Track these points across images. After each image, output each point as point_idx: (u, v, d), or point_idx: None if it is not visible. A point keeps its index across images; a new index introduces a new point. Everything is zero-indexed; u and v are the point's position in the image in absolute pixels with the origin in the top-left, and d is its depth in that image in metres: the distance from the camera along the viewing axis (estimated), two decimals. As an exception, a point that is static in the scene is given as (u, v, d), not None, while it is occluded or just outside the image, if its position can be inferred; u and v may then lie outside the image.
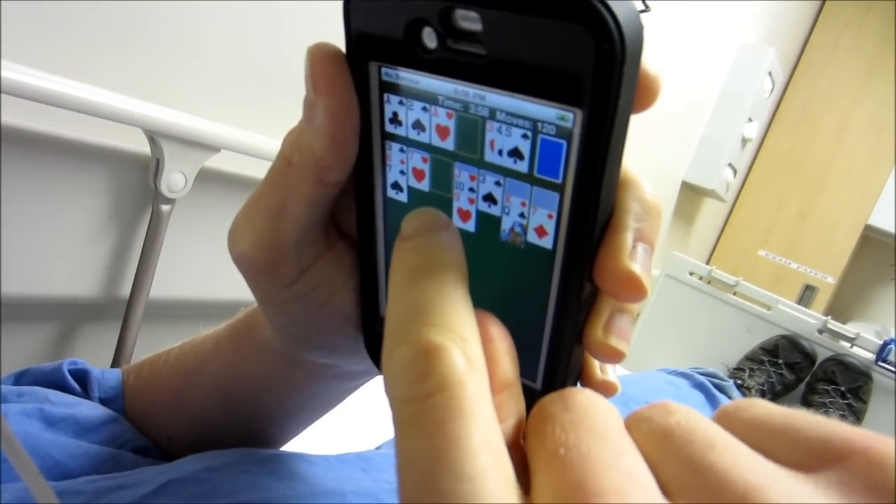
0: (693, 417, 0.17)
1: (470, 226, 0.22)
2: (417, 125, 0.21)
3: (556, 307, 0.20)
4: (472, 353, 0.16)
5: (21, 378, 0.49)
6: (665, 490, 0.16)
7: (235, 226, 0.25)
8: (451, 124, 0.20)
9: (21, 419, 0.40)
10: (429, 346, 0.16)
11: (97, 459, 0.40)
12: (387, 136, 0.22)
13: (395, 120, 0.21)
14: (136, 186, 0.84)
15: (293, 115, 0.22)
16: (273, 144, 0.88)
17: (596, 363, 0.23)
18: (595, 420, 0.17)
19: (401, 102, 0.21)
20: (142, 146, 0.81)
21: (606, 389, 0.23)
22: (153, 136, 0.79)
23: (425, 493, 0.14)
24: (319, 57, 0.21)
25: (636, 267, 0.19)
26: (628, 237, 0.19)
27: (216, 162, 0.88)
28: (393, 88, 0.21)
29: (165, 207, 0.85)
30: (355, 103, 0.22)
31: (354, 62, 0.21)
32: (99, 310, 0.89)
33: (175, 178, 0.84)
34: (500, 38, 0.18)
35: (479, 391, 0.16)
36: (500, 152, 0.20)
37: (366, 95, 0.21)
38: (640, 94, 0.18)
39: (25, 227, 0.76)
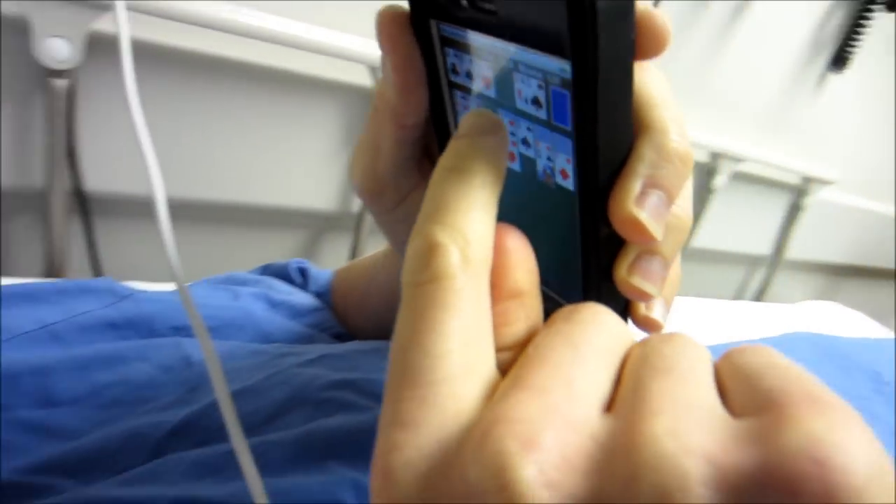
0: (677, 345, 0.18)
1: (516, 166, 0.25)
2: (469, 75, 0.24)
3: (581, 246, 0.22)
4: (471, 254, 0.18)
5: (263, 270, 0.63)
6: (609, 403, 0.17)
7: (352, 158, 0.30)
8: (490, 75, 0.23)
9: (251, 299, 0.52)
10: (432, 242, 0.18)
11: (299, 336, 0.50)
12: (451, 84, 0.26)
13: (454, 70, 0.25)
14: (363, 117, 0.96)
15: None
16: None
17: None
18: (580, 330, 0.18)
19: (455, 55, 0.25)
20: (365, 80, 0.92)
21: (648, 326, 0.23)
22: (375, 70, 0.89)
23: (398, 362, 0.17)
24: (384, 19, 0.24)
25: (640, 213, 0.20)
26: (635, 183, 0.20)
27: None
28: (449, 43, 0.24)
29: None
30: (417, 57, 0.25)
31: (418, 21, 0.25)
32: (334, 221, 1.04)
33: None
34: None
35: (467, 287, 0.18)
36: (526, 100, 0.22)
37: (431, 49, 0.25)
38: (643, 42, 0.20)
39: (275, 149, 0.91)
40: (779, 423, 0.14)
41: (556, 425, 0.15)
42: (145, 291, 0.47)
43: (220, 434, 0.32)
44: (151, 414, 0.35)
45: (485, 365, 0.18)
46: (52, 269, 0.80)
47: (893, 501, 0.13)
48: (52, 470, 0.32)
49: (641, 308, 0.23)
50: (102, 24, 0.71)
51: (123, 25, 0.41)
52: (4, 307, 0.41)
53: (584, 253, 0.22)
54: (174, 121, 0.82)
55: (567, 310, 0.19)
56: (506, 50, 0.22)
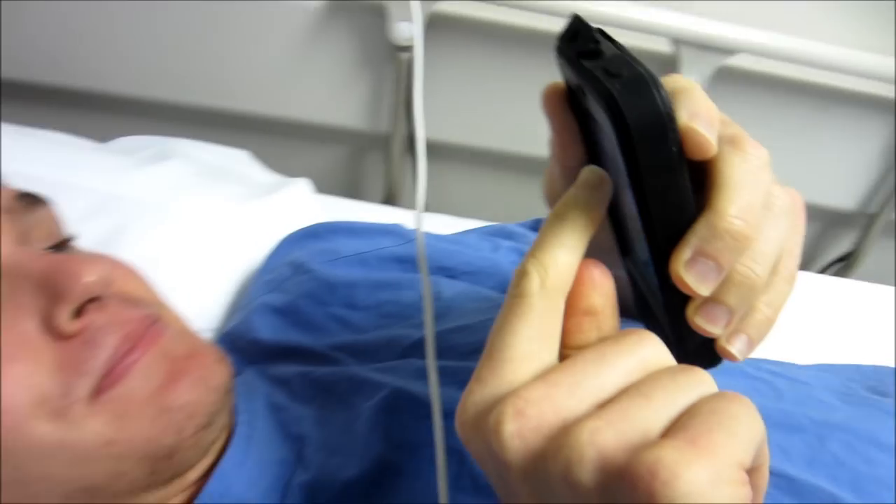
0: (677, 377, 0.23)
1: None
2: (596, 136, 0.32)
3: (659, 288, 0.27)
4: (548, 281, 0.24)
5: (534, 224, 0.75)
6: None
7: (543, 179, 0.40)
8: (606, 144, 0.29)
9: (506, 252, 0.65)
10: (523, 269, 0.25)
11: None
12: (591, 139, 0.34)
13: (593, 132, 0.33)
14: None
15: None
16: (790, 44, 0.91)
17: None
18: (613, 350, 0.24)
19: (592, 121, 0.32)
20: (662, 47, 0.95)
21: (724, 356, 0.27)
22: (676, 41, 0.93)
23: (488, 341, 0.24)
24: (546, 92, 0.31)
25: (686, 275, 0.24)
26: (685, 252, 0.24)
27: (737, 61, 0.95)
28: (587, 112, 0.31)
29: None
30: (569, 120, 0.31)
31: (571, 94, 0.31)
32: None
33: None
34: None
35: (539, 304, 0.24)
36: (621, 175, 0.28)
37: (583, 113, 0.32)
38: (689, 149, 0.25)
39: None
40: (656, 446, 0.20)
41: (544, 408, 0.22)
42: (426, 235, 0.64)
43: (441, 353, 0.46)
44: (407, 328, 0.51)
45: (544, 356, 0.24)
46: (388, 197, 1.04)
47: None
48: (343, 350, 0.50)
49: (721, 340, 0.27)
50: (441, 6, 0.88)
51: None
52: (337, 237, 0.61)
53: (663, 294, 0.27)
54: (490, 84, 0.98)
55: (622, 332, 0.25)
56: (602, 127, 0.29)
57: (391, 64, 0.94)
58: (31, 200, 0.41)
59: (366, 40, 0.94)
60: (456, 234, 0.69)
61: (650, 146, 0.25)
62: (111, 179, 0.69)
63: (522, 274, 0.25)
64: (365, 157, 1.10)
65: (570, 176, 0.33)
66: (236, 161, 0.85)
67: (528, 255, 0.25)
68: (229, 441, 0.42)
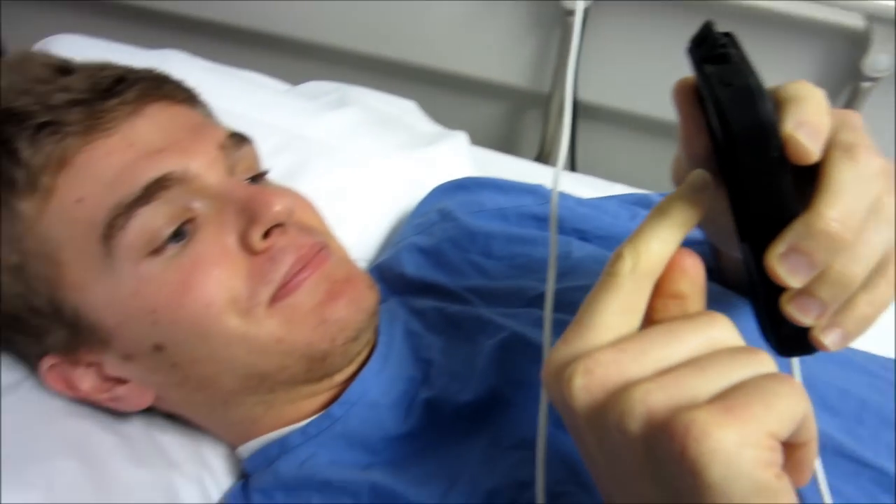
0: (737, 356, 0.26)
1: None
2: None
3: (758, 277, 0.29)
4: (639, 266, 0.27)
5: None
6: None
7: (672, 162, 0.42)
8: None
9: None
10: (619, 252, 0.28)
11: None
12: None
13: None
14: (841, 61, 0.94)
15: None
16: None
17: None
18: (685, 327, 0.27)
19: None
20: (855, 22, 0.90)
21: (816, 346, 0.29)
22: (871, 17, 0.87)
23: (579, 311, 0.28)
24: (676, 86, 0.34)
25: (778, 267, 0.27)
26: (780, 246, 0.27)
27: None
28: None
29: (865, 85, 0.93)
30: (696, 114, 0.33)
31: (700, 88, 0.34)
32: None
33: (880, 59, 0.90)
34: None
35: (628, 284, 0.27)
36: None
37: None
38: (792, 155, 0.28)
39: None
40: (695, 408, 0.23)
41: (610, 369, 0.25)
42: (567, 197, 0.68)
43: (560, 307, 0.50)
44: (534, 281, 0.56)
45: (623, 328, 0.27)
46: (541, 155, 1.09)
47: (722, 473, 0.22)
48: (475, 293, 0.57)
49: (815, 330, 0.28)
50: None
51: None
52: (484, 191, 0.67)
53: (761, 283, 0.29)
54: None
55: (698, 312, 0.28)
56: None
57: (560, 27, 0.97)
58: (239, 139, 0.50)
59: (538, 3, 0.97)
60: (598, 198, 0.72)
61: (750, 151, 0.28)
62: (297, 121, 0.79)
63: (618, 256, 0.28)
64: (523, 115, 1.15)
65: (694, 163, 0.35)
66: (404, 110, 0.93)
67: (627, 240, 0.28)
68: (371, 355, 0.51)
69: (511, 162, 0.93)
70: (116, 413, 0.51)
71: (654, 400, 0.24)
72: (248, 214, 0.45)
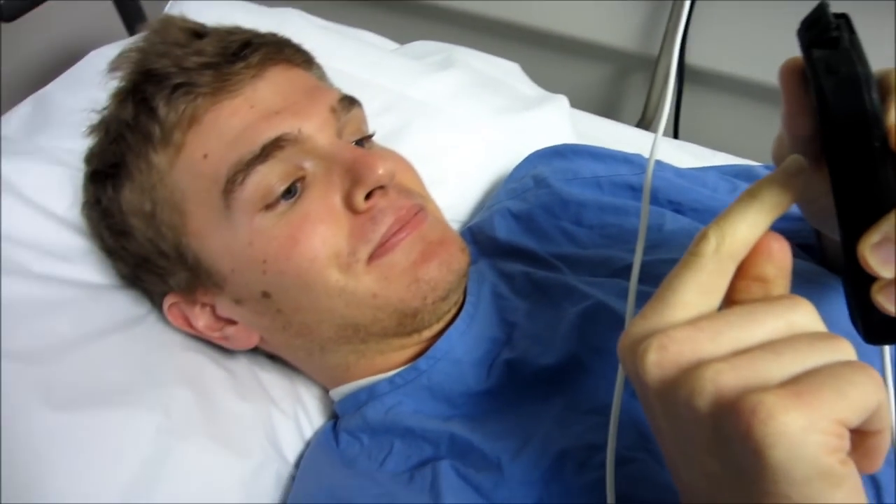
0: (820, 341, 0.26)
1: None
2: None
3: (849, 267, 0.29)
4: (723, 247, 0.27)
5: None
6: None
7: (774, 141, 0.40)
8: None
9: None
10: (704, 232, 0.28)
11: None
12: None
13: None
14: None
15: None
16: None
17: None
18: (764, 310, 0.26)
19: None
20: None
21: None
22: None
23: (660, 286, 0.28)
24: (783, 66, 0.33)
25: (869, 256, 0.26)
26: (873, 236, 0.26)
27: None
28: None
29: None
30: (800, 96, 0.32)
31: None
32: None
33: None
34: None
35: (710, 264, 0.27)
36: None
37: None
38: (893, 144, 0.27)
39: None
40: (764, 390, 0.23)
41: (684, 347, 0.26)
42: (666, 168, 0.67)
43: (645, 279, 0.50)
44: (622, 251, 0.57)
45: (702, 307, 0.28)
46: (643, 121, 1.06)
47: (783, 456, 0.22)
48: (563, 260, 0.57)
49: None
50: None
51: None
52: (579, 159, 0.67)
53: (853, 270, 0.28)
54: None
55: (781, 296, 0.28)
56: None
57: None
58: (348, 101, 0.53)
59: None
60: (698, 169, 0.71)
61: (851, 141, 0.28)
62: (403, 81, 0.81)
63: (703, 236, 0.28)
64: (628, 79, 1.12)
65: (796, 143, 0.35)
66: (507, 72, 0.93)
67: (714, 220, 0.28)
68: (458, 314, 0.53)
69: (612, 127, 0.91)
70: (225, 350, 0.57)
71: (725, 380, 0.24)
72: (352, 176, 0.48)
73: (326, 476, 0.49)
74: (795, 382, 0.24)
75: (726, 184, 0.68)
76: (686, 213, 0.62)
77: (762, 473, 0.24)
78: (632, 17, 1.02)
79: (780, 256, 0.29)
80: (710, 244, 0.27)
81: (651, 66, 1.03)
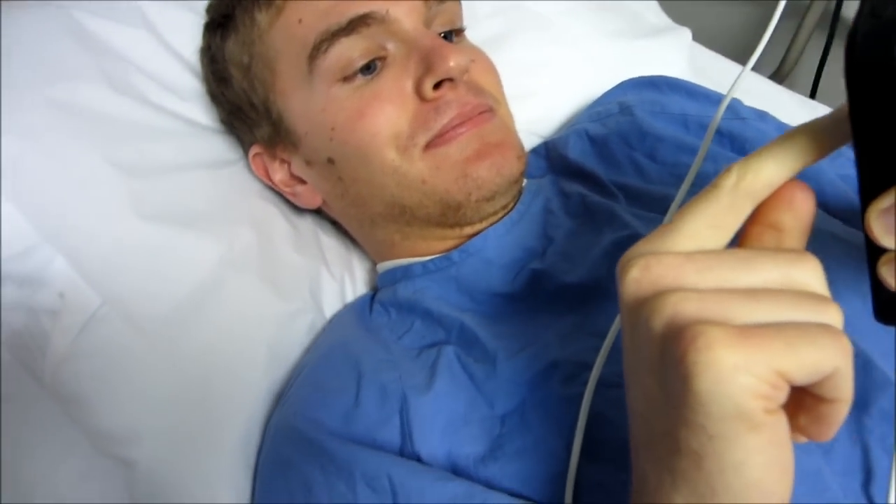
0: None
1: None
2: None
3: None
4: (744, 184, 0.26)
5: None
6: None
7: None
8: None
9: None
10: (729, 168, 0.26)
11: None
12: None
13: None
14: None
15: None
16: None
17: None
18: (763, 258, 0.25)
19: None
20: None
21: None
22: None
23: (675, 215, 0.27)
24: None
25: (874, 223, 0.25)
26: (882, 202, 0.24)
27: None
28: None
29: None
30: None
31: None
32: None
33: None
34: None
35: (725, 199, 0.26)
36: None
37: None
38: None
39: None
40: (713, 323, 0.23)
41: (668, 272, 0.25)
42: (764, 119, 0.63)
43: None
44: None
45: (708, 242, 0.27)
46: (778, 74, 0.99)
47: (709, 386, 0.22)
48: (623, 189, 0.56)
49: None
50: None
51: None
52: (673, 94, 0.65)
53: (867, 242, 0.27)
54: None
55: (789, 248, 0.27)
56: None
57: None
58: None
59: None
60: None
61: (873, 91, 0.25)
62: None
63: (727, 171, 0.27)
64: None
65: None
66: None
67: (746, 157, 0.27)
68: (502, 219, 0.55)
69: (735, 70, 0.86)
70: (296, 207, 0.62)
71: (685, 307, 0.24)
72: (426, 64, 0.50)
73: (349, 332, 0.54)
74: (752, 327, 0.23)
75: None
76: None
77: (684, 399, 0.24)
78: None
79: (802, 206, 0.27)
80: (731, 178, 0.26)
81: (799, 14, 0.95)
